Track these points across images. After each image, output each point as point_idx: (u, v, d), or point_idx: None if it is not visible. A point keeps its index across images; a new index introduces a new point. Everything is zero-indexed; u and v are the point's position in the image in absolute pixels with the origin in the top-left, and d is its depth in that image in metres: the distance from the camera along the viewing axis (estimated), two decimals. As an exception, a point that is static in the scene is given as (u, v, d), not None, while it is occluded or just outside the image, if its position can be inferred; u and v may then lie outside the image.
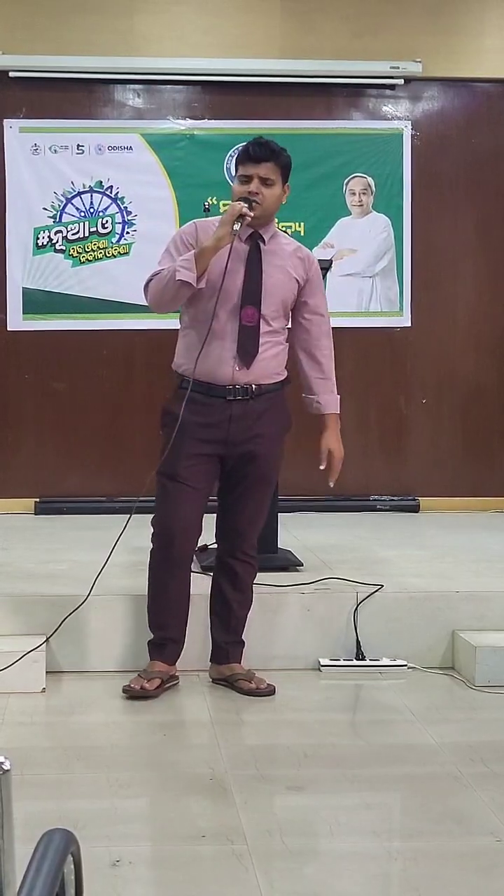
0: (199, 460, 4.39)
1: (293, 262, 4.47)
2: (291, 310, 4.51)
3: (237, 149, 4.44)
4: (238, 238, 4.31)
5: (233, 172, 4.44)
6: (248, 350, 4.34)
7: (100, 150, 7.59)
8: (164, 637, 4.52)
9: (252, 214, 4.25)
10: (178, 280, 4.23)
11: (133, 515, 4.26)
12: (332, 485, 4.59)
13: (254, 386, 4.38)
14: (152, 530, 4.49)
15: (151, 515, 4.49)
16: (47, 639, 4.55)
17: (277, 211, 4.48)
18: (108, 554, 4.43)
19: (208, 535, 4.73)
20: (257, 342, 4.36)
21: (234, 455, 4.42)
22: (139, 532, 4.60)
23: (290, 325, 4.55)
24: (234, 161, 4.43)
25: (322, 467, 4.56)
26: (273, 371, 4.43)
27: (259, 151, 4.36)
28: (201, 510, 4.49)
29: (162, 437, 4.44)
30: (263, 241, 4.41)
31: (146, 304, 4.51)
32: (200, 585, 4.71)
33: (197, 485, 4.41)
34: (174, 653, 4.54)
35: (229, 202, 4.46)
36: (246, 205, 4.25)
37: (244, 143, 4.46)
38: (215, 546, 4.69)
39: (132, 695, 4.40)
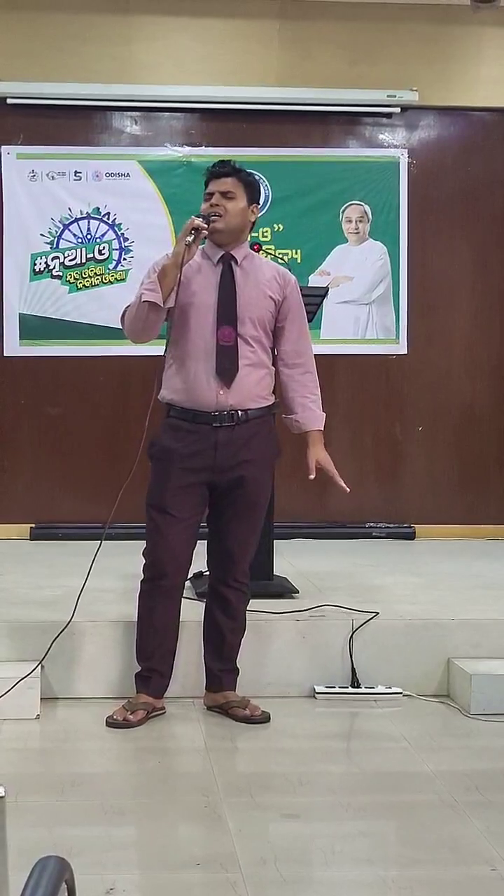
0: (186, 490, 4.36)
1: (269, 280, 4.46)
2: (272, 332, 4.49)
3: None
4: (207, 258, 4.38)
5: None
6: (227, 369, 4.32)
7: (97, 176, 7.62)
8: (151, 669, 4.49)
9: (207, 227, 4.28)
10: (145, 302, 4.25)
11: (122, 541, 4.21)
12: (347, 489, 4.52)
13: (239, 412, 4.35)
14: (143, 561, 4.48)
15: (135, 541, 4.47)
16: (39, 663, 4.52)
17: (245, 228, 4.46)
18: (87, 579, 4.39)
19: (202, 562, 4.72)
20: (236, 361, 4.34)
21: (223, 481, 4.39)
22: (132, 559, 4.59)
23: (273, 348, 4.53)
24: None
25: (311, 477, 4.48)
26: (258, 395, 4.40)
27: (220, 168, 4.45)
28: (191, 541, 4.46)
29: (150, 468, 4.43)
30: (236, 262, 4.42)
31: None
32: (194, 612, 4.70)
33: (186, 515, 4.38)
34: (160, 686, 4.51)
35: None
36: (201, 219, 4.28)
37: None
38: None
39: (114, 726, 4.38)
